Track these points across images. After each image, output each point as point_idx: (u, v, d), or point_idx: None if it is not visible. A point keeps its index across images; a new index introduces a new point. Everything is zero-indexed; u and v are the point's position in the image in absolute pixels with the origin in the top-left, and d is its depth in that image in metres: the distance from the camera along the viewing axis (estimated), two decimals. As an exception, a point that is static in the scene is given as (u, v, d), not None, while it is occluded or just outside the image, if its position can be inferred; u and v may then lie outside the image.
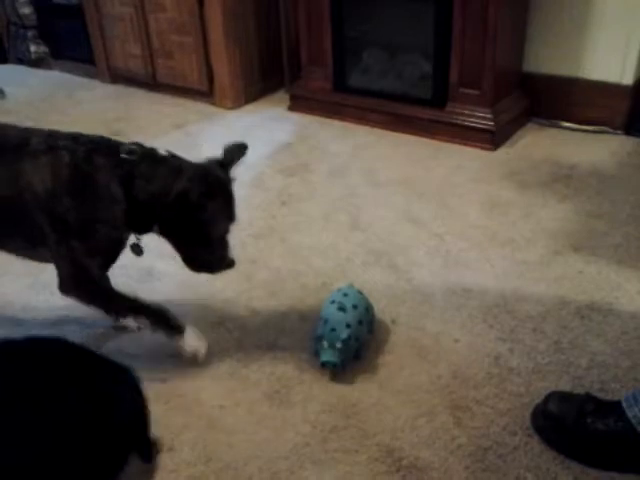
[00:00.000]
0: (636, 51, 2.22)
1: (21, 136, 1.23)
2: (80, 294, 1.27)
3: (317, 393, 1.25)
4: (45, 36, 3.65)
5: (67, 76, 3.56)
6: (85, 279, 1.26)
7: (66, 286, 1.26)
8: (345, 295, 1.33)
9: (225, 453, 1.14)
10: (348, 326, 1.25)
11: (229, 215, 1.27)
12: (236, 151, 1.30)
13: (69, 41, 3.51)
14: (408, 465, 1.09)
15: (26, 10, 3.61)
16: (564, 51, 2.37)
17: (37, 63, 3.71)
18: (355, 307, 1.30)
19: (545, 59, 2.42)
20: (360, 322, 1.29)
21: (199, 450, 1.15)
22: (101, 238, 1.23)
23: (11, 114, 2.99)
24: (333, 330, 1.25)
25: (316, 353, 1.29)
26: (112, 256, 1.29)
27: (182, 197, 1.18)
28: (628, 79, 2.27)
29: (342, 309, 1.29)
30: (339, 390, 1.26)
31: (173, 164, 1.23)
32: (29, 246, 1.29)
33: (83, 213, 1.20)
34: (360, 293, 1.36)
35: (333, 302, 1.31)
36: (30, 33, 3.65)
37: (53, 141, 1.21)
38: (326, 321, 1.27)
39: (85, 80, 3.44)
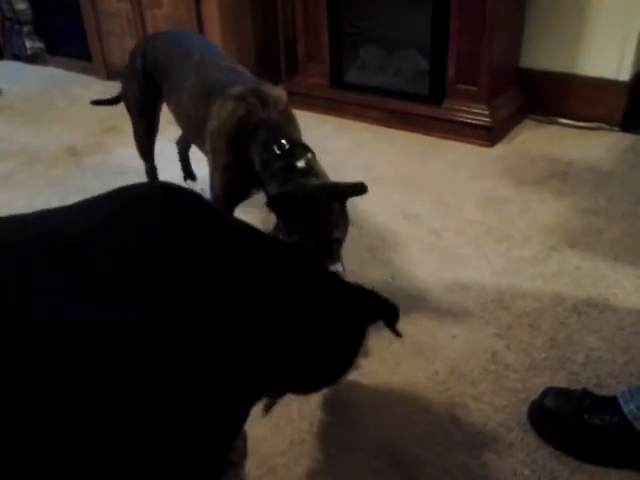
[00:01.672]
0: (633, 47, 2.23)
1: (228, 80, 1.47)
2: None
3: (314, 389, 1.25)
4: (41, 32, 3.64)
5: (63, 72, 3.54)
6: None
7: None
8: None
9: (221, 449, 1.13)
10: None
11: (307, 231, 1.27)
12: (352, 187, 1.35)
13: (65, 37, 3.50)
14: (404, 461, 1.09)
15: (21, 5, 3.59)
16: (561, 47, 2.37)
17: (33, 59, 3.69)
18: None
19: (542, 55, 2.42)
20: None
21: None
22: (224, 183, 1.45)
23: (6, 110, 2.98)
24: None
25: None
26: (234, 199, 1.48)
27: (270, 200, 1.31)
28: (625, 75, 2.28)
29: None
30: (336, 386, 1.25)
31: (290, 174, 1.30)
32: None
33: (221, 156, 1.42)
34: None
35: None
36: (25, 29, 3.64)
37: (244, 94, 1.40)
38: None
39: (81, 76, 3.42)
